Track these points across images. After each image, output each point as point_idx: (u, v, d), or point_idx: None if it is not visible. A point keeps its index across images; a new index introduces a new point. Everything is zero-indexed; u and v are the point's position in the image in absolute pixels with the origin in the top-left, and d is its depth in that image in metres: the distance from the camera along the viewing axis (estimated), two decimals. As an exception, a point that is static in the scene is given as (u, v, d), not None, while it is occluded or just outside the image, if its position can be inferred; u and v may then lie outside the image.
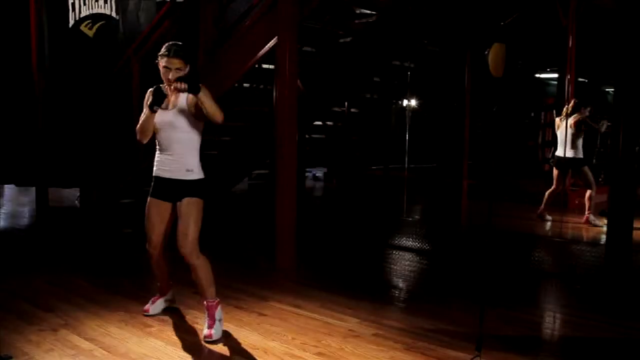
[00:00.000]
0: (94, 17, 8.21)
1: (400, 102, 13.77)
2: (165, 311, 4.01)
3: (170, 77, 3.46)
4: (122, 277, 4.92)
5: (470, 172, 7.56)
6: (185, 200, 3.57)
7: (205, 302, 3.63)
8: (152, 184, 3.72)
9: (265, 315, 3.99)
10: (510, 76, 10.27)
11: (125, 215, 7.04)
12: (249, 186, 11.35)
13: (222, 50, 5.95)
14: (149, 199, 3.72)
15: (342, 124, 12.89)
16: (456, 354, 3.30)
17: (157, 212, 3.69)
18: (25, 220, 8.09)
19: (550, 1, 8.87)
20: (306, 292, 4.50)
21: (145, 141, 3.64)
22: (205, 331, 3.54)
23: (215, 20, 6.11)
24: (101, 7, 8.18)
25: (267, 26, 5.39)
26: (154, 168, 3.69)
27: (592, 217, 7.56)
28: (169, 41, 3.67)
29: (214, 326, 3.56)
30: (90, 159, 7.52)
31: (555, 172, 7.75)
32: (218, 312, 3.63)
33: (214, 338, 3.51)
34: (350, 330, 3.71)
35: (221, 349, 3.42)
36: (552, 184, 7.81)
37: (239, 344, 3.48)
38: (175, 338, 3.56)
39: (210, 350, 3.41)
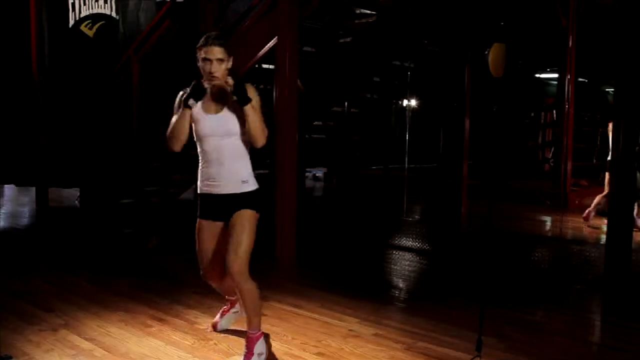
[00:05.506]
0: (94, 17, 8.21)
1: (400, 102, 13.78)
2: (165, 311, 4.00)
3: (212, 70, 2.95)
4: (122, 277, 4.92)
5: (470, 172, 7.55)
6: (240, 213, 3.10)
7: (247, 333, 3.19)
8: (199, 202, 3.22)
9: (265, 315, 3.97)
10: (510, 76, 10.28)
11: (125, 215, 7.04)
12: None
13: (222, 50, 5.94)
14: (198, 221, 3.23)
15: (342, 124, 12.89)
16: (456, 354, 3.30)
17: (210, 235, 3.21)
18: (25, 220, 8.09)
19: (550, 1, 8.87)
20: (306, 292, 4.50)
21: (178, 148, 3.09)
22: None
23: (215, 20, 6.11)
24: (101, 7, 8.18)
25: (267, 26, 5.40)
26: (199, 184, 3.19)
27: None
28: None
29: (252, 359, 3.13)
30: (91, 159, 7.52)
31: (607, 176, 7.66)
32: (259, 346, 3.15)
33: None
34: (350, 330, 3.71)
35: (221, 348, 3.42)
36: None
37: (239, 343, 3.47)
38: (175, 338, 3.56)
39: (210, 350, 3.40)
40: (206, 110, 3.07)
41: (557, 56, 9.75)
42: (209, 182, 3.13)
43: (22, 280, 4.78)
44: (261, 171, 11.26)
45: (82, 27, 8.24)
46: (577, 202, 8.17)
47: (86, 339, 3.51)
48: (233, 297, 3.57)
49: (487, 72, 5.85)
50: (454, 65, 7.41)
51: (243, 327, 3.71)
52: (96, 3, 8.18)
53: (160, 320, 3.87)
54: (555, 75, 11.42)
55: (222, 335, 3.60)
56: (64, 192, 9.39)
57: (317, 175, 13.77)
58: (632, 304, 4.42)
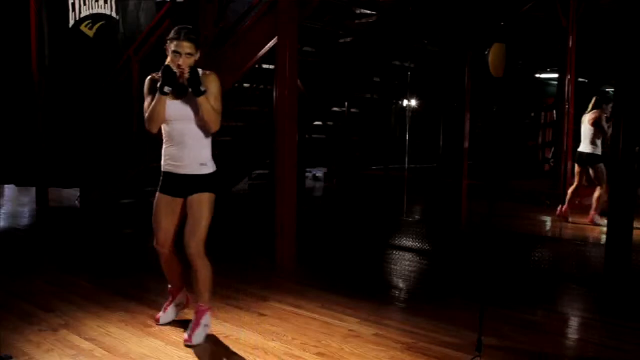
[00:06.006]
0: (94, 17, 8.21)
1: (400, 102, 13.78)
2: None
3: (180, 62, 3.22)
4: (122, 277, 4.92)
5: (470, 172, 7.55)
6: (197, 196, 3.39)
7: (197, 305, 3.51)
8: (162, 178, 3.51)
9: (265, 315, 3.99)
10: (510, 76, 10.27)
11: (125, 215, 7.04)
12: (249, 186, 11.34)
13: (222, 50, 5.95)
14: (157, 194, 3.51)
15: (342, 124, 12.89)
16: (456, 354, 3.30)
17: (167, 208, 3.48)
18: (25, 220, 8.09)
19: (550, 1, 8.87)
20: (306, 292, 4.50)
21: (155, 130, 3.37)
22: (186, 334, 3.45)
23: (215, 20, 6.11)
24: (101, 7, 8.18)
25: (267, 26, 5.39)
26: (163, 162, 3.47)
27: (597, 217, 7.53)
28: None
29: (197, 331, 3.43)
30: (91, 159, 7.52)
31: (576, 168, 7.72)
32: (206, 317, 3.49)
33: (193, 343, 3.40)
34: (350, 330, 3.71)
35: (221, 348, 3.42)
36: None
37: (239, 344, 3.48)
38: (175, 338, 3.56)
39: (210, 350, 3.40)
40: (172, 96, 3.30)
41: (557, 56, 9.76)
42: (171, 162, 3.42)
43: (22, 280, 4.78)
44: (261, 171, 11.30)
45: (82, 27, 8.24)
46: (577, 201, 8.16)
47: (86, 339, 3.51)
48: (175, 286, 3.77)
49: (487, 72, 5.86)
50: (454, 65, 7.41)
51: (245, 330, 3.73)
52: (96, 3, 8.18)
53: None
54: (555, 75, 11.43)
55: (222, 335, 3.60)
56: (64, 192, 9.39)
57: (317, 175, 13.77)
58: (632, 303, 4.42)
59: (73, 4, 8.26)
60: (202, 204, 3.39)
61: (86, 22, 8.24)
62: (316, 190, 12.39)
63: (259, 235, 6.54)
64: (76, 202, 8.39)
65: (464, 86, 7.18)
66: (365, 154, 13.69)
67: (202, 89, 3.23)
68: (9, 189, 10.66)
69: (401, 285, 5.04)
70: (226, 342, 3.51)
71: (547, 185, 9.83)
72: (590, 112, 7.41)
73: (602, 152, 7.47)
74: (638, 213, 4.95)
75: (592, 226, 7.47)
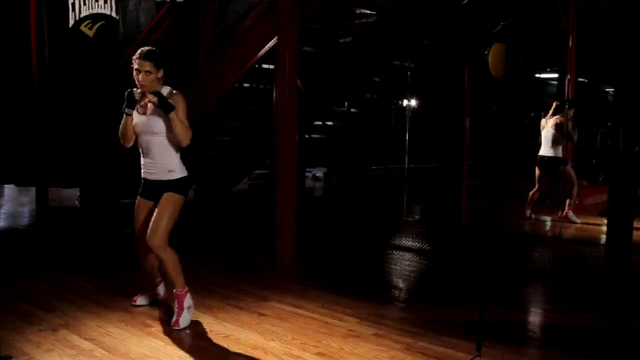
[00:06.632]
0: (94, 17, 8.21)
1: (400, 102, 13.79)
2: (165, 311, 4.00)
3: (140, 79, 3.60)
4: (122, 277, 4.92)
5: (470, 172, 7.56)
6: (164, 195, 3.71)
7: (174, 291, 3.76)
8: (142, 184, 3.88)
9: (265, 315, 3.99)
10: (510, 76, 10.27)
11: (125, 215, 7.02)
12: (249, 186, 11.35)
13: (222, 50, 5.95)
14: (138, 198, 3.89)
15: (342, 124, 12.89)
16: (456, 354, 3.30)
17: (143, 210, 3.84)
18: (25, 220, 8.09)
19: (550, 1, 8.87)
20: (306, 292, 4.50)
21: (128, 145, 3.79)
22: (173, 319, 3.70)
23: (215, 20, 6.11)
24: (101, 7, 8.18)
25: (267, 26, 5.39)
26: (142, 170, 3.83)
27: (571, 214, 7.60)
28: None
29: (182, 314, 3.71)
30: (91, 159, 7.52)
31: (537, 172, 7.78)
32: (187, 300, 3.76)
33: (182, 326, 3.67)
34: (350, 330, 3.71)
35: (221, 348, 3.42)
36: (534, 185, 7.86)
37: (239, 344, 3.48)
38: (175, 338, 3.56)
39: (210, 350, 3.41)
40: (140, 112, 3.70)
41: (557, 56, 9.75)
42: (145, 170, 3.80)
43: (22, 280, 4.78)
44: (261, 171, 11.30)
45: (82, 27, 8.24)
46: (577, 201, 8.16)
47: (86, 339, 3.51)
48: (151, 282, 4.11)
49: (487, 72, 5.85)
50: (454, 65, 7.41)
51: (245, 330, 3.73)
52: (96, 3, 8.18)
53: (160, 320, 3.87)
54: (555, 75, 11.43)
55: (222, 335, 3.60)
56: (64, 192, 9.39)
57: (317, 175, 13.77)
58: (632, 304, 4.42)
59: (73, 4, 8.25)
60: (167, 201, 3.70)
61: (86, 22, 8.24)
62: (316, 190, 12.39)
63: (259, 236, 6.55)
64: (76, 202, 8.39)
65: (464, 86, 7.18)
66: (365, 154, 13.69)
67: (172, 104, 3.56)
68: (9, 189, 10.66)
69: (401, 285, 5.04)
70: (226, 342, 3.51)
71: (547, 186, 9.80)
72: (553, 117, 7.50)
73: (562, 154, 7.58)
74: (638, 213, 4.95)
75: (592, 226, 7.48)
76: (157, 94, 3.58)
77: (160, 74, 3.68)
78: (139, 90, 3.62)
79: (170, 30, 6.42)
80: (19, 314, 3.91)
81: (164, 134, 3.66)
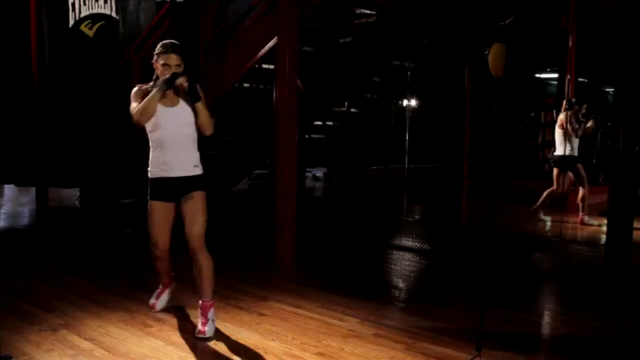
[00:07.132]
0: (94, 17, 8.21)
1: (400, 102, 13.80)
2: (165, 311, 4.01)
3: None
4: (122, 277, 4.92)
5: (470, 172, 7.56)
6: (197, 194, 3.60)
7: (201, 302, 3.64)
8: (151, 186, 3.68)
9: (265, 315, 3.99)
10: (510, 76, 10.28)
11: (125, 215, 7.03)
12: (249, 186, 11.35)
13: (222, 50, 5.95)
14: (150, 202, 3.68)
15: (342, 124, 12.89)
16: (456, 354, 3.30)
17: (163, 215, 3.67)
18: (25, 220, 8.09)
19: (550, 1, 8.87)
20: (306, 292, 4.50)
21: (143, 123, 3.50)
22: (199, 327, 3.58)
23: (215, 20, 6.11)
24: (101, 7, 8.18)
25: (267, 26, 5.40)
26: (152, 170, 3.65)
27: (586, 218, 7.58)
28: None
29: (207, 324, 3.58)
30: (91, 159, 7.52)
31: (555, 171, 7.76)
32: (211, 313, 3.63)
33: (207, 335, 3.54)
34: (350, 330, 3.71)
35: (221, 348, 3.42)
36: (552, 184, 7.83)
37: (239, 344, 3.48)
38: (175, 338, 3.56)
39: (210, 350, 3.41)
40: (164, 103, 3.49)
41: (557, 56, 9.75)
42: (164, 167, 3.58)
43: (22, 280, 4.78)
44: (261, 171, 11.30)
45: (82, 27, 8.25)
46: (577, 202, 8.16)
47: (86, 339, 3.51)
48: (167, 279, 4.03)
49: (487, 72, 5.86)
50: (454, 65, 7.41)
51: (245, 330, 3.73)
52: (96, 3, 8.18)
53: (160, 320, 3.87)
54: (555, 75, 11.43)
55: (222, 335, 3.60)
56: (64, 192, 9.39)
57: (317, 175, 13.77)
58: (632, 303, 4.42)
59: (73, 4, 8.26)
60: (201, 200, 3.61)
61: (86, 22, 8.24)
62: (316, 190, 12.39)
63: (259, 236, 6.55)
64: (76, 202, 8.40)
65: (464, 86, 7.18)
66: (365, 154, 13.70)
67: (199, 94, 3.46)
68: (9, 189, 10.66)
69: (401, 285, 5.04)
70: (226, 342, 3.51)
71: (547, 186, 9.81)
72: (559, 117, 7.51)
73: (578, 153, 7.53)
74: (638, 213, 4.95)
75: (592, 227, 7.47)
76: (192, 79, 3.42)
77: (183, 66, 3.54)
78: (185, 78, 3.40)
79: (170, 30, 6.43)
80: (19, 314, 3.91)
81: (191, 126, 3.56)
